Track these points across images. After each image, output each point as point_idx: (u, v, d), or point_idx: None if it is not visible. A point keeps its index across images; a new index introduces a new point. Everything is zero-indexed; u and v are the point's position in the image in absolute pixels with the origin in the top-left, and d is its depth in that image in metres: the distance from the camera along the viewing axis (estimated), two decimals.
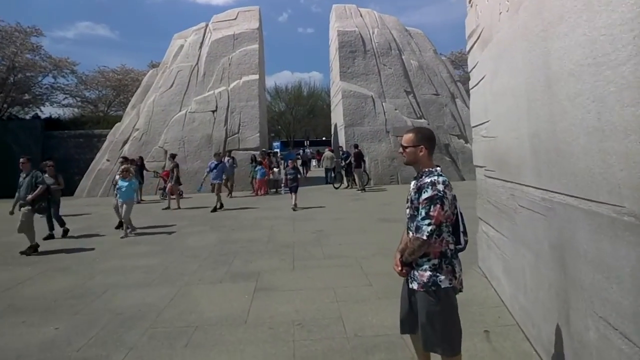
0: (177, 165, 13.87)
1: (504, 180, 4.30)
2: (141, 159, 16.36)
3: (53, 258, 7.30)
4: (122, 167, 9.73)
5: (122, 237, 8.75)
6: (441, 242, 2.58)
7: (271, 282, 5.46)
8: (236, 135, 18.89)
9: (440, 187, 2.50)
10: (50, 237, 8.97)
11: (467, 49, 5.86)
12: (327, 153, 19.85)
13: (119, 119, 22.19)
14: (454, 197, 2.70)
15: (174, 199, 13.52)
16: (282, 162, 18.10)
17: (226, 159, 14.77)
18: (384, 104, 19.64)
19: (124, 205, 8.89)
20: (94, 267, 6.61)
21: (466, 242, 2.73)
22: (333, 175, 18.86)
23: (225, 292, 5.12)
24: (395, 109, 19.62)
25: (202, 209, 12.82)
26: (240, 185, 17.46)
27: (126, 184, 9.02)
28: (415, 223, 2.57)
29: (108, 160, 19.33)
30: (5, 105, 24.48)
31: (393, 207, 11.73)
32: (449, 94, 20.79)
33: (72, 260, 7.11)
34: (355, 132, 19.05)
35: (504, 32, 3.89)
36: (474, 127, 5.57)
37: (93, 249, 7.89)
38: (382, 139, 19.01)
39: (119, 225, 9.77)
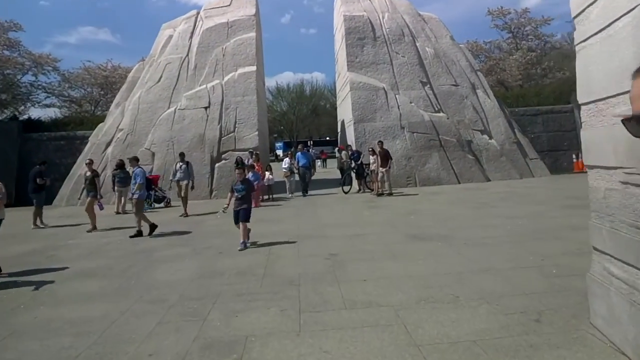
0: (97, 174, 11.47)
1: None
2: (122, 162, 14.17)
3: None
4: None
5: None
6: None
7: None
8: (232, 134, 16.78)
9: None
10: None
11: None
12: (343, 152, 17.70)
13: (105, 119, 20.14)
14: None
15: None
16: (293, 160, 15.96)
17: (179, 164, 12.51)
18: (397, 96, 17.47)
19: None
20: (11, 320, 4.54)
21: None
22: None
23: None
24: (411, 102, 17.45)
25: (192, 220, 10.72)
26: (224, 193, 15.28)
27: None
28: None
29: None
30: None
31: (421, 217, 9.56)
32: (469, 84, 18.61)
33: None
34: (366, 128, 16.89)
35: None
36: (586, 103, 3.42)
37: (33, 284, 5.79)
38: (397, 135, 16.84)
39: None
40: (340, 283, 5.12)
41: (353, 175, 15.98)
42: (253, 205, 11.93)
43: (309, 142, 66.68)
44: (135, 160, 10.39)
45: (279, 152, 68.04)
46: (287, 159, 15.43)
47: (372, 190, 14.38)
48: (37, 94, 24.85)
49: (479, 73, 19.82)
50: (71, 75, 26.89)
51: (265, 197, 14.78)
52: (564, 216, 8.76)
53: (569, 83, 23.97)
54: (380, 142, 14.56)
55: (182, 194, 12.16)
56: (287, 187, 15.31)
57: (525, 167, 17.86)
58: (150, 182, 13.13)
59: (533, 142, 19.94)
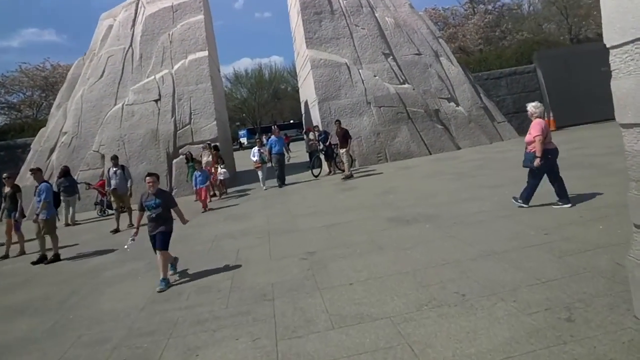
0: (18, 190, 8.78)
1: None
2: (66, 168, 12.81)
3: None
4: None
5: None
6: None
7: None
8: (188, 126, 15.53)
9: None
10: None
11: None
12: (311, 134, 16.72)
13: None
14: None
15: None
16: (264, 147, 13.90)
17: (112, 170, 10.27)
18: (360, 71, 16.61)
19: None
20: None
21: None
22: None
23: None
24: (375, 76, 16.62)
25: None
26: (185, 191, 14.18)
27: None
28: None
29: None
30: None
31: (399, 195, 8.83)
32: (432, 52, 17.93)
33: None
34: (332, 107, 15.99)
35: None
36: (621, 45, 2.65)
37: None
38: (364, 111, 16.03)
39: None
40: (323, 291, 4.29)
41: (322, 157, 15.13)
42: (202, 207, 10.77)
43: (273, 126, 65.18)
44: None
45: (243, 140, 66.41)
46: (255, 148, 13.50)
47: (343, 171, 13.55)
48: None
49: (440, 40, 19.18)
50: (6, 80, 24.52)
51: (217, 193, 13.51)
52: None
53: (529, 43, 23.77)
54: (338, 122, 13.57)
55: (121, 205, 10.15)
56: (260, 178, 13.50)
57: (494, 132, 17.46)
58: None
59: (499, 105, 19.60)
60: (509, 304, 3.39)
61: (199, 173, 11.38)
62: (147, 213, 5.39)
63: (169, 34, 16.49)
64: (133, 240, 5.57)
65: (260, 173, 13.38)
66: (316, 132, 15.34)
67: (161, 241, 5.35)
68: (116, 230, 9.72)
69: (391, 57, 17.24)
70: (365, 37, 17.26)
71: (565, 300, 3.31)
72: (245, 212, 9.72)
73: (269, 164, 13.54)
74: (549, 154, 6.00)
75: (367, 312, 3.64)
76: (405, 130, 15.85)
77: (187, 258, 6.47)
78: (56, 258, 7.70)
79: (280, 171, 13.45)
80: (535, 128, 5.94)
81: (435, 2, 60.32)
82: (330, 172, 14.60)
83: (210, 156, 13.41)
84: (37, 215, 7.61)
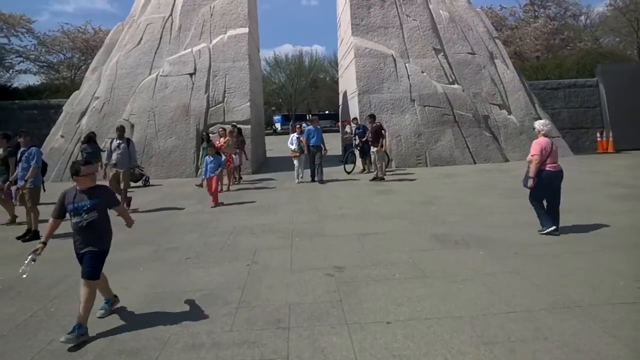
0: (12, 153, 7.60)
1: None
2: (92, 134, 12.31)
3: None
4: None
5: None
6: None
7: None
8: (221, 104, 14.84)
9: None
10: None
11: None
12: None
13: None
14: None
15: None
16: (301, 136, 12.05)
17: (116, 142, 8.91)
18: (407, 65, 15.48)
19: None
20: None
21: None
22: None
23: None
24: (422, 72, 15.46)
25: (164, 211, 8.97)
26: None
27: None
28: None
29: (62, 136, 15.41)
30: None
31: (444, 208, 7.80)
32: (487, 53, 16.58)
33: None
34: (372, 100, 14.95)
35: None
36: None
37: None
38: (406, 109, 14.93)
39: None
40: (352, 327, 3.39)
41: (357, 153, 14.16)
42: (213, 200, 8.92)
43: (307, 115, 64.56)
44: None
45: (277, 126, 65.94)
46: (294, 135, 12.11)
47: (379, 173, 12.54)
48: (10, 59, 22.56)
49: (497, 41, 17.75)
50: (47, 39, 24.48)
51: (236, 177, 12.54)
52: (623, 211, 7.07)
53: (592, 55, 21.93)
54: (372, 116, 12.50)
55: (119, 183, 8.69)
56: (295, 169, 12.12)
57: None
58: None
59: (553, 118, 18.05)
60: None
61: (211, 158, 9.40)
62: (74, 220, 3.68)
63: (210, 7, 15.75)
64: (34, 261, 3.63)
65: (296, 162, 12.04)
66: (353, 126, 14.32)
67: (90, 266, 3.64)
68: (128, 208, 8.52)
69: (442, 53, 16.00)
70: (416, 29, 16.08)
71: None
72: (270, 204, 8.89)
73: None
74: (550, 175, 5.73)
75: None
76: (450, 134, 14.67)
77: (199, 251, 5.71)
78: (35, 235, 6.74)
79: (313, 165, 12.04)
80: (534, 147, 5.77)
81: (491, 1, 57.34)
82: (364, 169, 13.63)
83: (229, 140, 11.82)
84: (26, 181, 6.81)
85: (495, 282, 4.20)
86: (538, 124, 6.07)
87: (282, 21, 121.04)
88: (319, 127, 12.41)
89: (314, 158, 11.98)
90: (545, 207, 5.93)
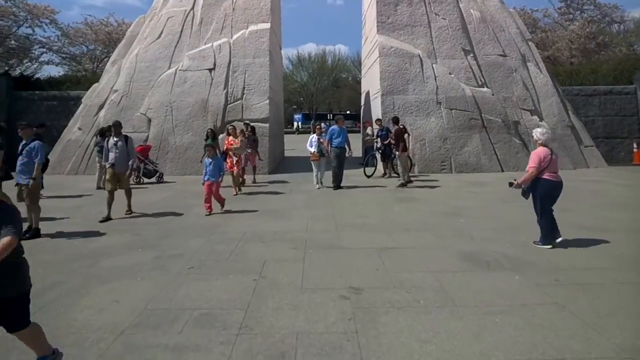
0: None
1: None
2: (106, 128, 12.07)
3: None
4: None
5: None
6: None
7: None
8: (239, 101, 14.44)
9: None
10: None
11: None
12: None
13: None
14: None
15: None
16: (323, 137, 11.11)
17: (113, 140, 7.92)
18: (434, 65, 14.80)
19: None
20: None
21: None
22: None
23: None
24: (450, 73, 14.77)
25: (172, 211, 8.59)
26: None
27: None
28: None
29: (80, 128, 15.27)
30: None
31: (472, 221, 7.17)
32: (519, 55, 15.77)
33: None
34: (396, 101, 14.34)
35: None
36: None
37: None
38: (432, 112, 14.26)
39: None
40: None
41: (378, 156, 13.56)
42: (206, 208, 7.81)
43: (328, 115, 64.07)
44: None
45: (298, 124, 65.66)
46: (314, 136, 10.98)
47: (399, 175, 11.91)
48: (34, 49, 22.68)
49: (530, 44, 16.90)
50: (70, 30, 24.53)
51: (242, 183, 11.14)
52: None
53: (631, 61, 20.79)
54: (396, 118, 11.89)
55: (121, 186, 7.95)
56: (314, 174, 11.07)
57: (579, 156, 15.19)
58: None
59: (587, 126, 17.14)
60: None
61: (209, 161, 8.10)
62: None
63: (232, 1, 15.38)
64: None
65: (315, 167, 10.97)
66: (376, 127, 13.67)
67: (13, 317, 2.72)
68: (107, 219, 7.53)
69: (471, 54, 15.27)
70: (445, 29, 15.39)
71: None
72: (284, 209, 8.40)
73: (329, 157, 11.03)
74: (549, 185, 5.52)
75: None
76: (477, 139, 13.94)
77: (203, 259, 5.26)
78: (37, 233, 6.43)
79: (338, 169, 10.90)
80: (532, 159, 5.60)
81: (523, 2, 55.06)
82: (385, 174, 13.02)
83: (243, 140, 10.66)
84: (34, 179, 6.45)
85: (536, 317, 3.60)
86: (536, 133, 5.78)
87: (307, 20, 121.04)
88: (344, 127, 11.36)
89: (338, 161, 10.87)
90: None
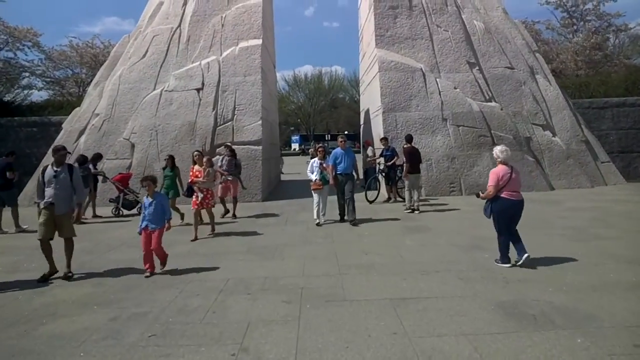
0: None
1: None
2: (83, 158, 11.05)
3: None
4: None
5: None
6: None
7: None
8: (229, 123, 13.39)
9: None
10: None
11: None
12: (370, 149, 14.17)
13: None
14: None
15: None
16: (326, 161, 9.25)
17: (54, 171, 5.78)
18: (438, 80, 13.85)
19: None
20: None
21: None
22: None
23: None
24: (455, 88, 13.81)
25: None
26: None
27: None
28: None
29: None
30: None
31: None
32: (527, 67, 14.85)
33: None
34: (398, 119, 13.31)
35: None
36: None
37: None
38: (438, 129, 13.23)
39: None
40: None
41: (381, 178, 12.46)
42: (145, 267, 5.67)
43: (326, 135, 63.34)
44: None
45: (295, 146, 64.88)
46: (314, 161, 9.17)
47: (404, 200, 10.71)
48: (16, 74, 21.74)
49: (538, 55, 16.01)
50: (54, 53, 23.62)
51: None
52: None
53: None
54: (409, 137, 10.71)
55: (62, 233, 5.83)
56: (314, 204, 9.03)
57: (597, 173, 14.13)
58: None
59: (600, 140, 16.11)
60: None
61: (149, 201, 5.87)
62: None
63: (221, 17, 14.51)
64: None
65: (316, 197, 8.97)
66: (380, 147, 12.53)
67: None
68: (51, 274, 5.69)
69: (477, 67, 14.35)
70: (448, 41, 14.50)
71: None
72: (277, 245, 7.20)
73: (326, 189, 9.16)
74: (508, 204, 5.50)
75: None
76: (487, 158, 12.84)
77: (171, 321, 4.08)
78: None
79: (344, 200, 9.08)
80: (491, 177, 5.57)
81: (524, 13, 54.70)
82: (389, 198, 11.88)
83: (208, 171, 8.34)
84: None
85: None
86: (495, 151, 5.72)
87: (303, 42, 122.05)
88: (349, 147, 9.52)
89: (343, 190, 9.06)
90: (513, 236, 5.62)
